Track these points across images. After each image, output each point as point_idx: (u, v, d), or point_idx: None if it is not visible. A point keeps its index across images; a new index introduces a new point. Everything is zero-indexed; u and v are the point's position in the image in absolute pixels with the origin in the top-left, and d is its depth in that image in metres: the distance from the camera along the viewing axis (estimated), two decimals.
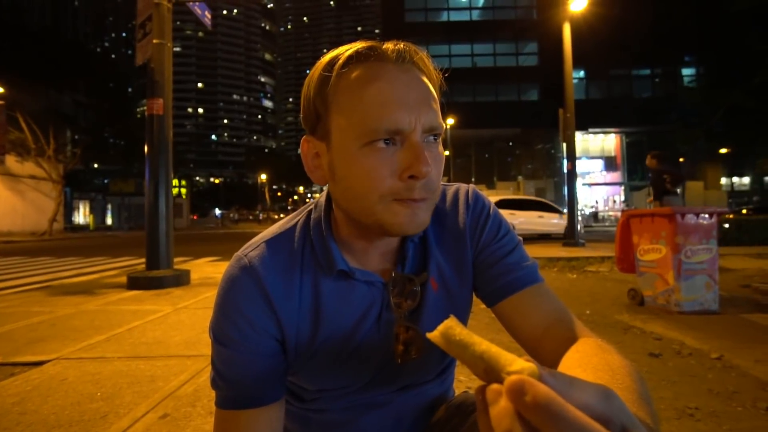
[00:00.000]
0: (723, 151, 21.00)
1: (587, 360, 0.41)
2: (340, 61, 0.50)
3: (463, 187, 0.66)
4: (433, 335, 0.29)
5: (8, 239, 15.36)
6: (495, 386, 0.25)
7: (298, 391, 0.63)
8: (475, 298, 0.65)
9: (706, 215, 2.98)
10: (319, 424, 0.63)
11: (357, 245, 0.57)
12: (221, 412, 0.54)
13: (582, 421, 0.21)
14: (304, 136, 0.56)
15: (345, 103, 0.49)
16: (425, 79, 0.51)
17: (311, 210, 0.61)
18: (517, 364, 0.24)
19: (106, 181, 31.79)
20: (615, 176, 24.15)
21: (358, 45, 0.50)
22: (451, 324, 0.29)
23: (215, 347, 0.55)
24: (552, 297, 0.58)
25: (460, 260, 0.61)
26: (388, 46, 0.50)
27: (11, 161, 17.16)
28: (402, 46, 0.50)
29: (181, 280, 4.32)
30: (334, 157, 0.51)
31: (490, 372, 0.26)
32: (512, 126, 22.44)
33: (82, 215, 30.06)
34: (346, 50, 0.50)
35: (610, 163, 24.24)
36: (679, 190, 6.24)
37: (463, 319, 0.65)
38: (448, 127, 20.59)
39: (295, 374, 0.59)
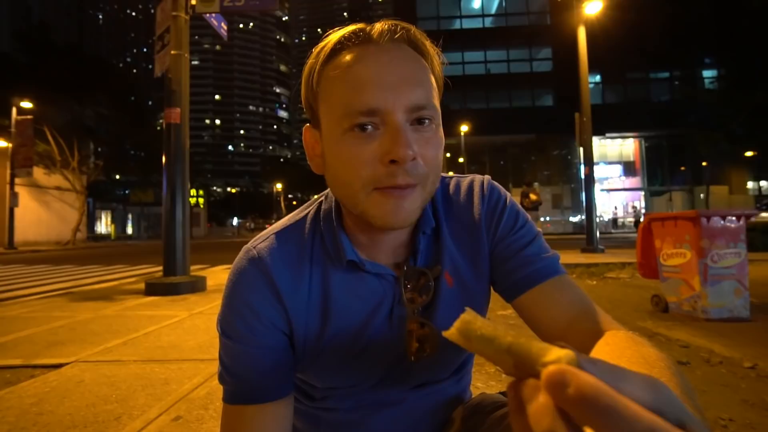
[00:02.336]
0: (748, 154, 20.33)
1: (619, 353, 0.38)
2: (326, 49, 0.49)
3: (478, 178, 0.63)
4: (450, 333, 0.26)
5: (35, 248, 15.89)
6: (531, 381, 0.21)
7: (307, 389, 0.61)
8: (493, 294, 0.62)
9: (733, 218, 2.86)
10: (329, 424, 0.61)
11: (363, 238, 0.55)
12: (228, 407, 0.53)
13: (638, 414, 0.18)
14: (306, 125, 0.55)
15: (327, 90, 0.49)
16: (415, 57, 0.49)
17: (322, 201, 0.60)
18: (553, 353, 0.21)
19: (126, 191, 32.72)
20: (634, 181, 23.59)
21: (345, 30, 0.49)
22: (468, 318, 0.26)
23: (223, 341, 0.54)
24: (575, 289, 0.54)
25: (476, 253, 0.58)
26: (376, 26, 0.49)
27: (38, 173, 17.83)
28: (387, 25, 0.48)
29: (197, 286, 4.37)
30: (324, 145, 0.51)
31: (521, 366, 0.22)
32: (527, 132, 22.20)
33: (103, 225, 30.94)
34: (333, 37, 0.49)
35: (629, 168, 23.70)
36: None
37: (481, 315, 0.62)
38: (462, 134, 20.55)
39: (304, 371, 0.57)
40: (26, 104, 15.43)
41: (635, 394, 0.20)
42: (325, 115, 0.49)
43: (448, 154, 22.68)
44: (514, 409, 0.23)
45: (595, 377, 0.19)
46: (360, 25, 0.49)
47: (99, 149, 22.04)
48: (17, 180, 16.01)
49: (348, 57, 0.47)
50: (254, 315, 0.51)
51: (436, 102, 0.49)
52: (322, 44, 0.50)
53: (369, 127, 0.46)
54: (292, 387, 0.55)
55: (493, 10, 24.19)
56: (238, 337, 0.52)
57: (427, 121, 0.48)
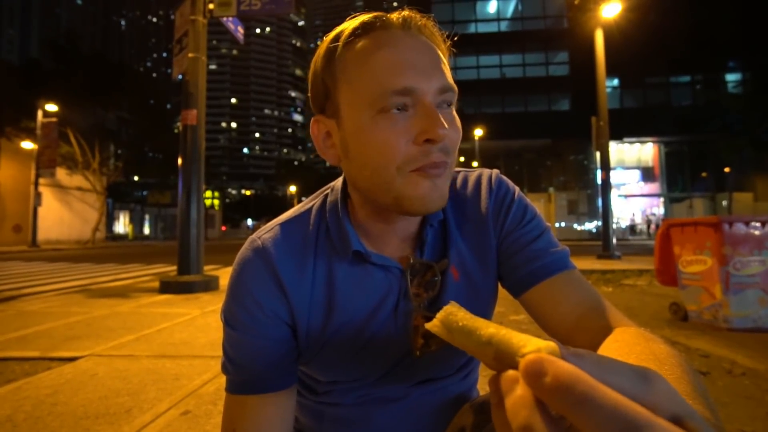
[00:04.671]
0: None
1: (628, 349, 0.36)
2: (346, 33, 0.48)
3: (486, 171, 0.62)
4: (433, 324, 0.26)
5: (56, 247, 16.39)
6: (510, 373, 0.21)
7: (311, 383, 0.61)
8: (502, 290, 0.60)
9: (758, 224, 2.76)
10: (333, 419, 0.60)
11: (374, 229, 0.54)
12: (230, 397, 0.52)
13: (616, 402, 0.17)
14: (313, 117, 0.54)
15: (353, 73, 0.48)
16: (433, 46, 0.49)
17: (327, 193, 0.59)
18: (533, 344, 0.20)
19: (144, 193, 33.46)
20: (653, 187, 23.05)
21: (363, 17, 0.49)
22: (451, 310, 0.25)
23: (226, 330, 0.54)
24: (585, 285, 0.52)
25: (483, 248, 0.57)
26: (394, 15, 0.49)
27: (61, 174, 18.43)
28: (407, 13, 0.49)
29: (210, 285, 4.43)
30: (345, 133, 0.49)
31: (502, 358, 0.22)
32: (542, 137, 21.98)
33: (122, 225, 31.71)
34: (352, 22, 0.49)
35: (647, 174, 23.18)
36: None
37: (488, 311, 0.61)
38: (477, 138, 20.42)
39: (307, 364, 0.57)
40: (51, 107, 15.99)
41: (624, 385, 0.19)
42: (350, 100, 0.48)
43: (462, 158, 22.56)
44: (494, 402, 0.22)
45: (577, 367, 0.18)
46: (376, 13, 0.49)
47: (119, 151, 22.64)
48: (41, 180, 16.58)
49: (373, 41, 0.47)
50: (257, 306, 0.51)
51: (454, 85, 0.50)
52: (338, 30, 0.49)
53: (400, 108, 0.46)
54: (295, 379, 0.54)
55: (509, 14, 24.08)
56: (241, 327, 0.52)
57: (450, 104, 0.49)
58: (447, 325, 0.25)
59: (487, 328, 0.23)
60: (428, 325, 0.26)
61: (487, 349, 0.22)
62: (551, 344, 0.20)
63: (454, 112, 0.50)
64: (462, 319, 0.24)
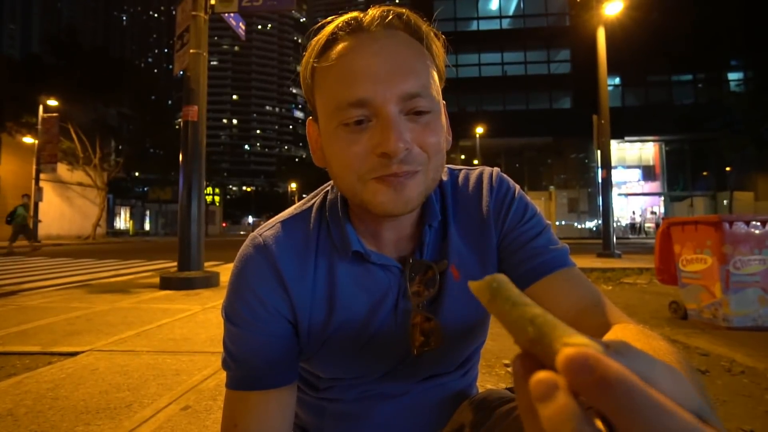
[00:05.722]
0: None
1: None
2: (320, 42, 0.48)
3: (487, 169, 0.62)
4: (477, 285, 0.24)
5: (57, 242, 16.41)
6: (544, 376, 0.18)
7: (311, 380, 0.61)
8: None
9: (758, 223, 2.75)
10: (333, 415, 0.60)
11: (368, 229, 0.54)
12: (231, 393, 0.53)
13: (666, 407, 0.16)
14: (309, 118, 0.55)
15: (320, 83, 0.48)
16: (410, 43, 0.47)
17: (328, 191, 0.59)
18: (578, 338, 0.19)
19: (145, 188, 33.46)
20: (654, 186, 22.99)
21: (339, 20, 0.48)
22: (500, 278, 0.24)
23: (227, 327, 0.54)
24: (585, 282, 0.53)
25: (484, 247, 0.57)
26: (369, 13, 0.47)
27: (62, 169, 18.41)
28: (379, 11, 0.47)
29: (210, 281, 4.43)
30: (322, 139, 0.50)
31: (538, 342, 0.20)
32: (544, 135, 21.90)
33: (122, 221, 31.73)
34: (327, 29, 0.48)
35: (648, 173, 23.12)
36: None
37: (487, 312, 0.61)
38: (477, 136, 20.38)
39: (308, 361, 0.57)
40: (52, 102, 15.97)
41: (657, 381, 0.18)
42: (321, 109, 0.49)
43: (462, 156, 22.54)
44: (519, 377, 0.20)
45: (624, 366, 0.17)
46: (355, 14, 0.48)
47: (120, 147, 22.63)
48: (42, 175, 16.55)
49: (339, 48, 0.46)
50: (259, 302, 0.51)
51: (435, 88, 0.47)
52: (317, 36, 0.49)
53: (361, 120, 0.45)
54: (296, 375, 0.55)
55: (511, 12, 23.96)
56: (243, 323, 0.52)
57: (422, 110, 0.46)
58: (492, 290, 0.23)
59: (534, 307, 0.22)
60: (472, 284, 0.24)
61: (527, 326, 0.21)
62: (596, 343, 0.19)
63: (436, 116, 0.47)
64: (509, 290, 0.23)
